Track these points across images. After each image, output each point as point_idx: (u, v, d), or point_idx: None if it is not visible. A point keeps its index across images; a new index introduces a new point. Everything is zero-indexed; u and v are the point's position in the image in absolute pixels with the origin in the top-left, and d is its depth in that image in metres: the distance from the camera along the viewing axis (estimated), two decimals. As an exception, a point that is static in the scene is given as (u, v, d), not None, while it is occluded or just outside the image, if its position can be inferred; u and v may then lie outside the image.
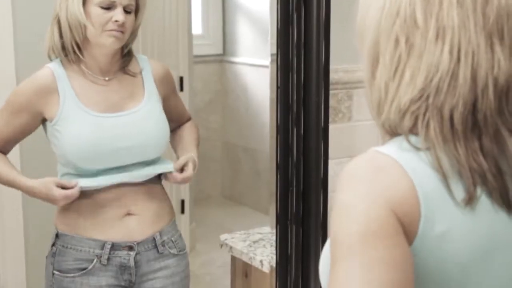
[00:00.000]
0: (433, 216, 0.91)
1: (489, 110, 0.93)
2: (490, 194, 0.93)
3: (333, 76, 2.12)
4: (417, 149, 0.94)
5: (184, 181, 2.10)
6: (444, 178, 0.92)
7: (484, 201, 0.93)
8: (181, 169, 2.09)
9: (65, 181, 1.99)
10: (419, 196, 0.91)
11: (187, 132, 2.26)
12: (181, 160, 2.10)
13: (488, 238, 0.95)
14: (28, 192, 2.03)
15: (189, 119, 2.30)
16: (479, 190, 0.92)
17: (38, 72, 2.01)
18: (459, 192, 0.92)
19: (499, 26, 0.94)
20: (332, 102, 2.18)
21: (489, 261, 0.95)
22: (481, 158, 0.93)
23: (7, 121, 2.02)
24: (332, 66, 2.03)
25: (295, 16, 2.00)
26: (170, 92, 2.16)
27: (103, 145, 1.96)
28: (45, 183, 1.98)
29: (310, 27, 2.00)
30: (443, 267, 0.92)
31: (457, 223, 0.92)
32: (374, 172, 0.92)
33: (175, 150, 2.25)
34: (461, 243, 0.93)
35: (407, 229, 0.90)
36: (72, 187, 1.98)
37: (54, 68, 1.99)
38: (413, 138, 0.95)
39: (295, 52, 2.02)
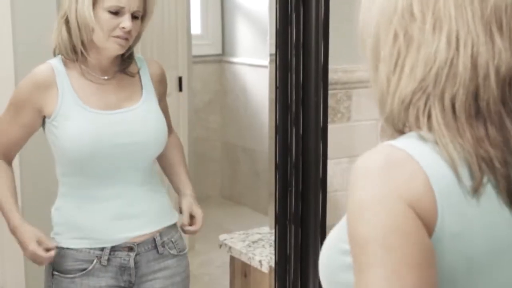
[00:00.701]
0: (448, 215, 0.90)
1: (492, 98, 0.93)
2: (497, 184, 0.93)
3: (332, 76, 2.12)
4: (428, 141, 0.93)
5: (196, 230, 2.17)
6: (454, 167, 0.91)
7: (491, 196, 0.93)
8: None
9: (47, 241, 2.00)
10: (435, 193, 0.90)
11: (176, 155, 2.25)
12: (186, 214, 2.15)
13: (496, 236, 0.94)
14: (11, 229, 2.02)
15: (172, 131, 2.27)
16: (485, 179, 0.92)
17: (38, 67, 2.02)
18: (467, 181, 0.92)
19: (497, 18, 0.94)
20: (331, 102, 2.18)
21: (497, 260, 0.95)
22: (487, 145, 0.92)
23: (11, 122, 2.02)
24: (331, 66, 2.03)
25: (294, 16, 2.00)
26: (162, 94, 2.17)
27: (103, 141, 1.96)
28: (27, 233, 1.98)
29: (309, 27, 2.00)
30: (454, 267, 0.92)
31: (468, 220, 0.92)
32: (389, 167, 0.91)
33: (165, 174, 2.27)
34: (473, 241, 0.92)
35: (425, 226, 0.89)
36: (51, 248, 1.99)
37: (54, 64, 2.00)
38: (422, 132, 0.95)
39: (294, 52, 2.02)
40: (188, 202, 2.16)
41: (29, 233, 1.98)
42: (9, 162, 2.10)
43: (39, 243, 1.97)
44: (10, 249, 2.95)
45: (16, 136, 2.04)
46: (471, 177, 0.92)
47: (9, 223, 2.02)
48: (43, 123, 2.02)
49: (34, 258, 1.99)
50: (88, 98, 2.00)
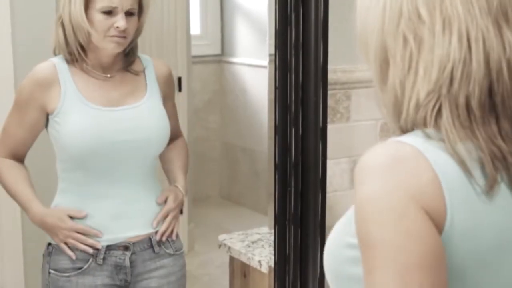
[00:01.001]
0: (457, 212, 0.90)
1: (506, 92, 0.94)
2: (510, 180, 0.93)
3: (331, 76, 2.12)
4: (434, 139, 0.93)
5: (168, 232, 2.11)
6: (465, 167, 0.91)
7: (504, 192, 0.93)
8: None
9: (75, 210, 2.01)
10: (444, 189, 0.89)
11: (177, 156, 2.23)
12: (162, 197, 2.11)
13: (506, 232, 0.94)
14: (34, 216, 2.02)
15: (180, 135, 2.27)
16: (499, 177, 0.92)
17: (39, 65, 2.02)
18: (480, 179, 0.91)
19: (503, 10, 0.95)
20: (330, 102, 2.18)
21: (507, 256, 0.95)
22: (500, 141, 0.93)
23: (17, 122, 2.03)
24: (330, 66, 2.03)
25: (293, 16, 2.00)
26: (168, 94, 2.16)
27: (105, 137, 1.96)
28: (58, 212, 2.00)
29: (308, 28, 2.00)
30: (463, 264, 0.92)
31: (479, 217, 0.91)
32: (397, 162, 0.90)
33: (165, 173, 2.25)
34: (483, 238, 0.92)
35: (435, 223, 0.88)
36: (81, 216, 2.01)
37: (57, 62, 2.01)
38: (428, 130, 0.95)
39: (293, 52, 2.02)
40: (168, 189, 2.14)
41: (58, 211, 2.00)
42: (20, 161, 2.10)
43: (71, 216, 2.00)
44: (10, 249, 2.96)
45: (23, 136, 2.05)
46: (484, 176, 0.91)
47: (29, 212, 2.03)
48: (46, 120, 2.03)
49: (72, 235, 1.99)
50: (91, 95, 2.00)
